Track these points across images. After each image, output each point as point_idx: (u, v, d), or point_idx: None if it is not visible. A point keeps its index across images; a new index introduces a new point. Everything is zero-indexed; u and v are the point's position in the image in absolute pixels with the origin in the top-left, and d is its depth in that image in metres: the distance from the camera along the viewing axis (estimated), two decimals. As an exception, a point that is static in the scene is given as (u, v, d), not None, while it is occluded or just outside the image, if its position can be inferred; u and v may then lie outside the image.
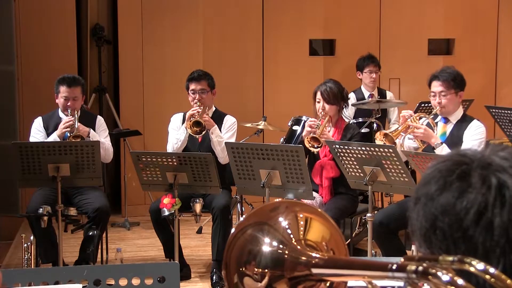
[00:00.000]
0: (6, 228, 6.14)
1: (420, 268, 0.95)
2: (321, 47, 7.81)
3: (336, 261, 1.21)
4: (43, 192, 5.10)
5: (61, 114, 5.29)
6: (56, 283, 2.27)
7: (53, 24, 7.01)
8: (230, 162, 4.73)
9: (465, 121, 4.77)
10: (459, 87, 4.73)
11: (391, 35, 7.61)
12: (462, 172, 1.04)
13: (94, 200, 5.09)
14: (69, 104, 5.18)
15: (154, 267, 2.44)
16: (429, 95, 4.77)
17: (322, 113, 5.00)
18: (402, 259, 1.00)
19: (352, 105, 6.25)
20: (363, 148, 4.42)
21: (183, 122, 5.34)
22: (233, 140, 5.35)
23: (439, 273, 0.93)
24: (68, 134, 5.10)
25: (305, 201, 4.88)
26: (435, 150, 4.59)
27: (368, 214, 4.57)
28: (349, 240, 5.27)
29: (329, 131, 5.02)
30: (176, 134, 5.36)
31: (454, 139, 4.69)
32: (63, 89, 5.21)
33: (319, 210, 1.28)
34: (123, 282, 2.32)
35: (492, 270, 0.91)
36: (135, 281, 2.33)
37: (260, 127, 6.06)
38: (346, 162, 4.53)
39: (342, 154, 4.52)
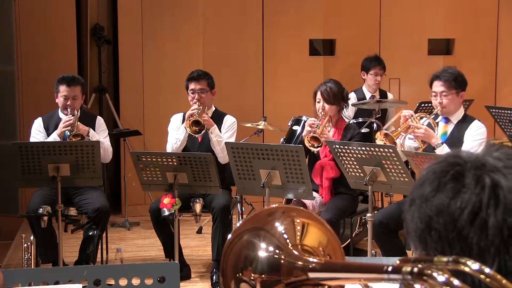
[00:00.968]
0: (6, 228, 6.14)
1: (415, 269, 0.96)
2: (321, 47, 7.81)
3: (333, 264, 1.21)
4: (43, 192, 5.11)
5: (61, 115, 5.29)
6: (56, 283, 2.27)
7: (53, 24, 7.01)
8: (230, 162, 4.73)
9: (466, 121, 4.76)
10: (460, 87, 4.73)
11: (391, 35, 7.60)
12: (456, 173, 1.05)
13: (94, 200, 5.09)
14: (68, 103, 5.18)
15: (154, 267, 2.43)
16: (430, 95, 4.77)
17: (322, 113, 5.00)
18: (397, 261, 1.00)
19: (352, 105, 6.24)
20: (363, 148, 4.42)
21: (182, 122, 5.34)
22: (233, 140, 5.35)
23: (435, 274, 0.93)
24: (68, 133, 5.11)
25: (305, 201, 4.89)
26: (435, 150, 4.59)
27: (368, 214, 4.57)
28: (349, 240, 5.27)
29: (329, 131, 5.02)
30: (176, 134, 5.36)
31: (454, 140, 4.69)
32: (62, 88, 5.21)
33: (316, 215, 1.28)
34: (123, 282, 2.32)
35: (487, 270, 0.92)
36: (135, 281, 2.33)
37: (260, 127, 6.06)
38: (346, 162, 4.53)
39: (342, 154, 4.52)
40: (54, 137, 5.13)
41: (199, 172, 4.73)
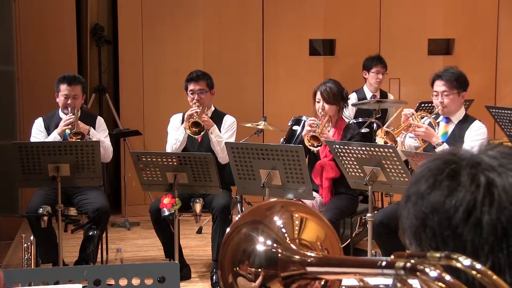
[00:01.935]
0: (6, 228, 6.13)
1: (408, 264, 0.96)
2: (321, 47, 7.81)
3: (329, 259, 1.21)
4: (43, 192, 5.11)
5: (61, 114, 5.29)
6: (56, 283, 2.26)
7: (53, 24, 7.01)
8: (230, 162, 4.73)
9: (466, 121, 4.77)
10: (461, 87, 4.73)
11: (391, 35, 7.60)
12: (452, 170, 1.05)
13: (94, 200, 5.09)
14: (69, 102, 5.19)
15: (154, 267, 2.43)
16: (432, 94, 4.77)
17: (322, 113, 5.00)
18: (392, 256, 1.01)
19: (352, 105, 6.24)
20: (363, 148, 4.42)
21: (182, 123, 5.34)
22: (232, 139, 5.35)
23: (427, 269, 0.94)
24: (69, 132, 5.11)
25: (305, 201, 4.89)
26: (436, 150, 4.59)
27: (368, 214, 4.57)
28: (349, 240, 5.27)
29: (329, 131, 5.02)
30: (175, 135, 5.36)
31: (455, 139, 4.69)
32: (63, 87, 5.21)
33: (315, 210, 1.28)
34: (123, 282, 2.32)
35: (478, 266, 0.92)
36: (135, 281, 2.33)
37: (260, 127, 6.06)
38: (346, 162, 4.53)
39: (342, 154, 4.52)
40: (55, 136, 5.14)
41: (199, 172, 4.73)
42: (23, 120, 6.52)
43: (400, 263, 0.98)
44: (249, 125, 6.08)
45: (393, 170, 4.35)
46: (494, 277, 0.91)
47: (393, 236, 4.74)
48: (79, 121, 5.12)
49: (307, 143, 4.82)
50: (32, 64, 6.94)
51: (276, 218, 1.23)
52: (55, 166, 4.78)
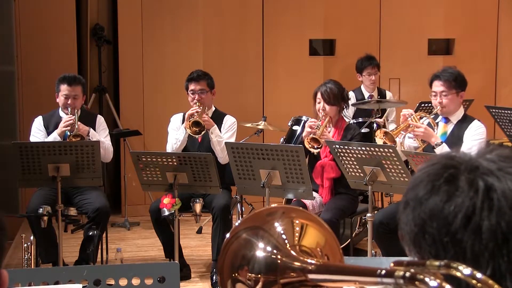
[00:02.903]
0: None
1: (408, 273, 0.95)
2: (321, 47, 7.81)
3: (329, 267, 1.20)
4: (43, 192, 5.10)
5: (61, 114, 5.29)
6: (56, 283, 2.27)
7: (53, 24, 7.01)
8: (230, 162, 4.73)
9: (465, 121, 4.76)
10: (460, 87, 4.73)
11: (391, 35, 7.60)
12: (450, 175, 1.04)
13: (94, 200, 5.09)
14: (69, 102, 5.19)
15: (154, 267, 2.43)
16: (430, 94, 4.77)
17: (323, 113, 5.00)
18: (391, 264, 1.00)
19: (352, 105, 6.24)
20: (363, 148, 4.42)
21: (182, 122, 5.34)
22: (233, 140, 5.35)
23: (427, 279, 0.92)
24: (68, 133, 5.11)
25: (305, 201, 4.89)
26: (435, 150, 4.59)
27: (368, 214, 4.57)
28: (349, 240, 5.27)
29: (329, 132, 5.02)
30: (176, 134, 5.36)
31: (454, 139, 4.69)
32: (63, 88, 5.21)
33: (316, 216, 1.27)
34: (123, 282, 2.32)
35: (479, 275, 0.91)
36: (135, 281, 2.33)
37: (260, 127, 6.06)
38: (346, 162, 4.53)
39: (342, 154, 4.52)
40: (54, 136, 5.14)
41: (199, 172, 4.73)
42: (23, 120, 6.52)
43: (399, 272, 0.96)
44: (249, 125, 6.08)
45: (393, 170, 4.35)
46: (496, 286, 0.90)
47: (393, 236, 4.73)
48: (79, 123, 5.11)
49: (307, 145, 4.82)
50: (32, 64, 6.94)
51: (276, 224, 1.22)
52: (55, 166, 4.78)
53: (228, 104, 6.36)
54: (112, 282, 2.32)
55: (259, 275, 1.17)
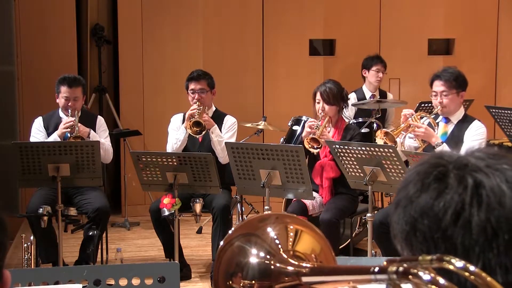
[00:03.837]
0: (6, 228, 6.12)
1: (401, 268, 0.96)
2: (321, 47, 7.81)
3: (322, 268, 1.20)
4: (43, 192, 5.10)
5: (61, 114, 5.29)
6: (56, 283, 2.27)
7: (53, 24, 7.01)
8: (230, 162, 4.73)
9: (466, 121, 4.76)
10: (460, 87, 4.73)
11: (391, 35, 7.60)
12: (439, 173, 1.06)
13: (94, 200, 5.09)
14: (69, 104, 5.18)
15: (154, 267, 2.43)
16: (431, 94, 4.77)
17: (322, 113, 5.00)
18: (384, 262, 1.01)
19: (352, 105, 6.24)
20: (363, 148, 4.42)
21: (183, 123, 5.34)
22: (233, 140, 5.35)
23: (420, 273, 0.94)
24: (69, 135, 5.11)
25: (305, 201, 4.89)
26: (435, 150, 4.59)
27: (368, 214, 4.57)
28: (349, 240, 5.27)
29: (329, 132, 5.02)
30: (176, 134, 5.36)
31: (454, 139, 4.69)
32: (63, 89, 5.21)
33: (309, 223, 1.27)
34: (123, 282, 2.32)
35: (472, 267, 0.92)
36: (135, 281, 2.33)
37: (260, 127, 6.06)
38: (346, 162, 4.53)
39: (342, 154, 4.52)
40: (55, 137, 5.14)
41: (199, 172, 4.73)
42: (23, 120, 6.52)
43: (392, 268, 0.98)
44: (249, 125, 6.08)
45: (393, 170, 4.35)
46: (488, 278, 0.91)
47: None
48: (79, 124, 5.11)
49: (307, 145, 4.82)
50: (32, 64, 6.93)
51: (269, 229, 1.22)
52: (55, 166, 4.78)
53: (228, 104, 6.36)
54: (112, 282, 2.32)
55: (253, 281, 1.17)
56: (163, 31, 7.21)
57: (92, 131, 5.22)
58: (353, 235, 5.41)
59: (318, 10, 7.46)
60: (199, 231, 6.52)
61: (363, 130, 5.87)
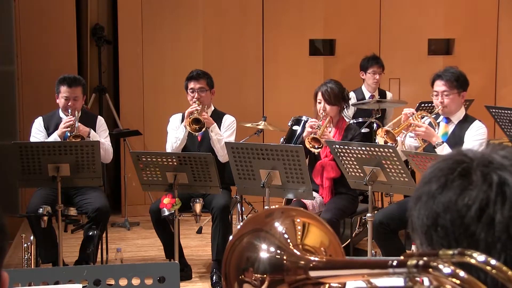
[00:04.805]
0: (6, 228, 6.12)
1: (421, 262, 0.97)
2: (321, 47, 7.81)
3: (335, 262, 1.21)
4: (43, 192, 5.10)
5: (61, 114, 5.29)
6: (56, 283, 2.27)
7: (53, 24, 7.01)
8: (230, 162, 4.73)
9: (466, 121, 4.77)
10: (462, 87, 4.73)
11: (391, 35, 7.60)
12: (463, 170, 1.06)
13: (94, 200, 5.09)
14: (69, 104, 5.18)
15: (154, 267, 2.44)
16: (432, 94, 4.77)
17: (323, 113, 5.00)
18: (402, 256, 1.02)
19: (352, 105, 6.24)
20: (363, 148, 4.42)
21: (182, 122, 5.34)
22: (232, 138, 5.35)
23: (441, 266, 0.94)
24: (69, 134, 5.11)
25: (305, 201, 4.89)
26: (436, 149, 4.59)
27: (368, 214, 4.57)
28: (349, 240, 5.27)
29: (330, 132, 5.02)
30: (175, 133, 5.36)
31: (455, 139, 4.69)
32: (63, 89, 5.21)
33: (316, 216, 1.28)
34: (123, 282, 2.32)
35: (493, 261, 0.93)
36: (135, 281, 2.33)
37: (260, 127, 6.06)
38: (346, 162, 4.53)
39: (342, 154, 4.52)
40: (55, 137, 5.14)
41: (199, 172, 4.73)
42: (23, 120, 6.52)
43: (412, 261, 0.98)
44: (249, 125, 6.08)
45: (393, 170, 4.35)
46: (510, 272, 0.92)
47: (393, 236, 4.74)
48: (79, 124, 5.11)
49: (308, 145, 4.82)
50: (32, 64, 6.93)
51: (277, 224, 1.23)
52: (55, 166, 4.78)
53: (228, 103, 6.36)
54: (112, 282, 2.32)
55: (265, 275, 1.19)
56: (163, 31, 7.21)
57: (92, 130, 5.22)
58: (353, 235, 5.41)
59: (318, 10, 7.46)
60: (199, 231, 6.52)
61: (363, 130, 5.87)
